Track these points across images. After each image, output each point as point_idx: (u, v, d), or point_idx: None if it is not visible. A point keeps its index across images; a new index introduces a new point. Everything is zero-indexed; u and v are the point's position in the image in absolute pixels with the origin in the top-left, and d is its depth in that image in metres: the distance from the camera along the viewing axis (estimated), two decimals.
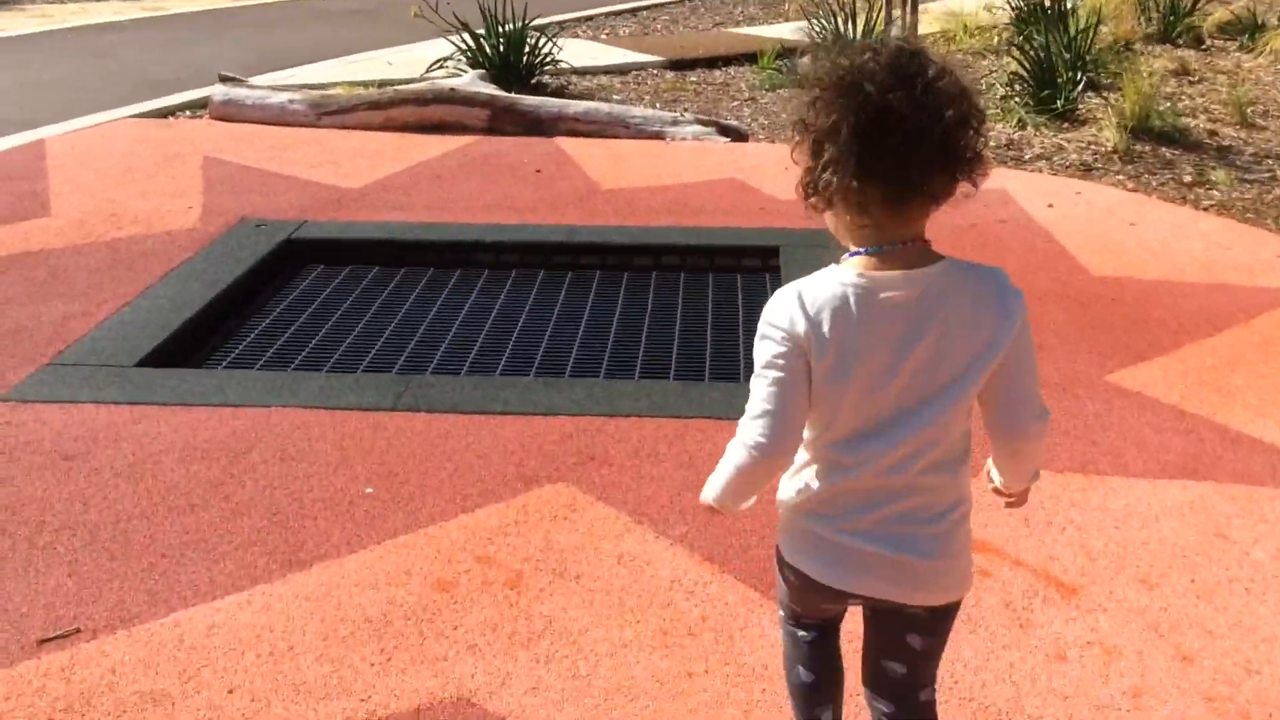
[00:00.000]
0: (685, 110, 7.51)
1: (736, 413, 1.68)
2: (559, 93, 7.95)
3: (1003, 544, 2.76)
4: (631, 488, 3.01)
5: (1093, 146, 6.60)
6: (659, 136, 6.66)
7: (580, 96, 7.80)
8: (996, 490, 1.86)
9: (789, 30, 10.08)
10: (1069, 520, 2.86)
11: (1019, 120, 7.03)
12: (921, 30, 8.95)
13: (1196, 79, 8.23)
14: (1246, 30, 9.45)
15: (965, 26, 9.70)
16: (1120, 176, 6.08)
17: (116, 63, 9.12)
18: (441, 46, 8.37)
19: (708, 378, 3.79)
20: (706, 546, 2.74)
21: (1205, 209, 5.47)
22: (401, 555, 2.73)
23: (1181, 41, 9.48)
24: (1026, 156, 6.48)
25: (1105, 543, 2.77)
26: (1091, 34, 7.95)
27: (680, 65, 9.01)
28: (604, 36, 10.54)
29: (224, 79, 7.30)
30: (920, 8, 8.73)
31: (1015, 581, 2.62)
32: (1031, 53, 7.47)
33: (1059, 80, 7.29)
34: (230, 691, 2.30)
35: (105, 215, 5.22)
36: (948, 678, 2.29)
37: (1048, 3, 8.76)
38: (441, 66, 8.17)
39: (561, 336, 4.16)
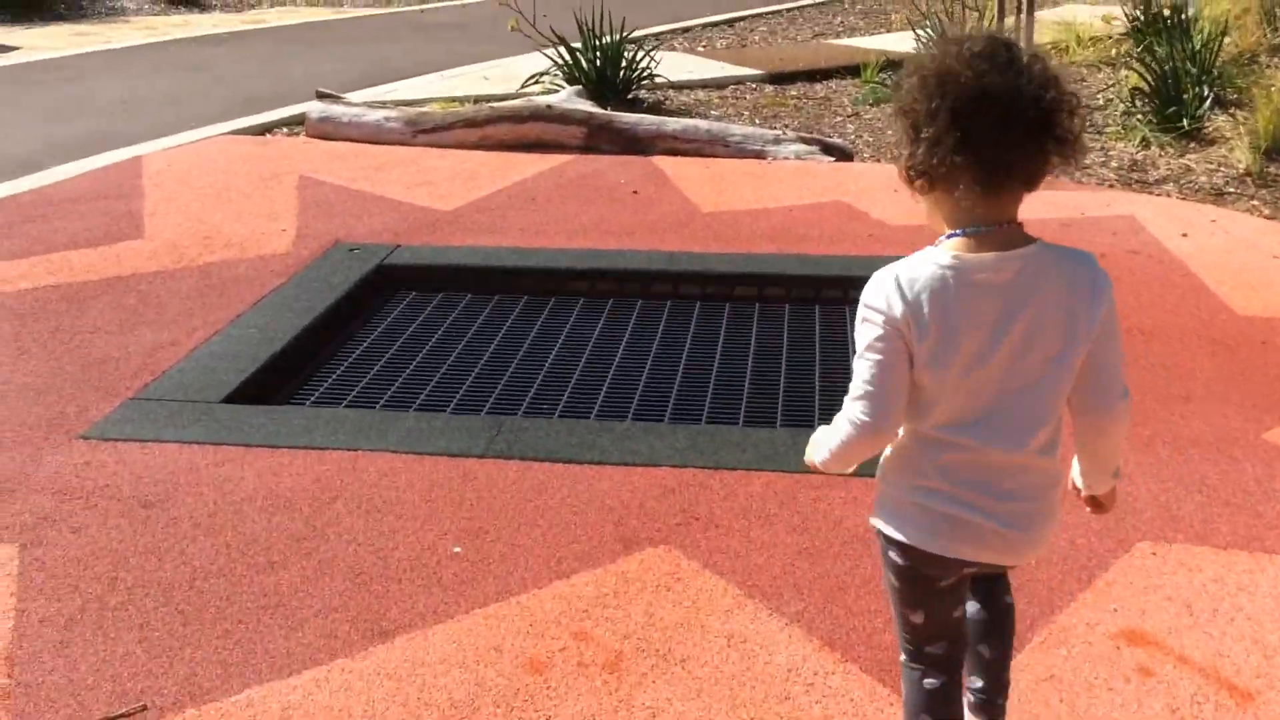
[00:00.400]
0: (786, 127, 7.25)
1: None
2: (655, 109, 7.74)
3: (1164, 635, 2.46)
4: (740, 554, 2.76)
5: (1223, 168, 6.19)
6: (760, 156, 6.41)
7: (677, 112, 7.59)
8: (1086, 499, 1.94)
9: (892, 41, 9.76)
10: (1238, 608, 2.54)
11: (1142, 139, 6.64)
12: (1034, 40, 8.57)
13: None
14: None
15: (1079, 37, 9.28)
16: (1255, 202, 5.67)
17: (214, 77, 9.14)
18: (537, 61, 8.23)
19: (816, 421, 3.54)
20: (826, 629, 2.49)
21: None
22: (491, 628, 2.52)
23: None
24: (1152, 179, 6.10)
25: None
26: (1216, 46, 7.50)
27: (779, 79, 8.75)
28: (700, 49, 10.32)
29: (321, 95, 7.23)
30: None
31: (1181, 683, 2.32)
32: (1155, 66, 7.07)
33: (1184, 96, 6.88)
34: None
35: (199, 238, 5.13)
36: None
37: (1167, 12, 8.32)
38: (537, 82, 8.01)
39: (660, 373, 3.94)
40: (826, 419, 1.83)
